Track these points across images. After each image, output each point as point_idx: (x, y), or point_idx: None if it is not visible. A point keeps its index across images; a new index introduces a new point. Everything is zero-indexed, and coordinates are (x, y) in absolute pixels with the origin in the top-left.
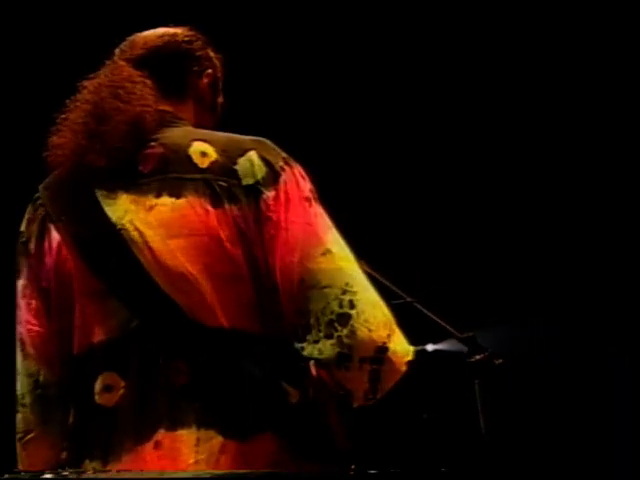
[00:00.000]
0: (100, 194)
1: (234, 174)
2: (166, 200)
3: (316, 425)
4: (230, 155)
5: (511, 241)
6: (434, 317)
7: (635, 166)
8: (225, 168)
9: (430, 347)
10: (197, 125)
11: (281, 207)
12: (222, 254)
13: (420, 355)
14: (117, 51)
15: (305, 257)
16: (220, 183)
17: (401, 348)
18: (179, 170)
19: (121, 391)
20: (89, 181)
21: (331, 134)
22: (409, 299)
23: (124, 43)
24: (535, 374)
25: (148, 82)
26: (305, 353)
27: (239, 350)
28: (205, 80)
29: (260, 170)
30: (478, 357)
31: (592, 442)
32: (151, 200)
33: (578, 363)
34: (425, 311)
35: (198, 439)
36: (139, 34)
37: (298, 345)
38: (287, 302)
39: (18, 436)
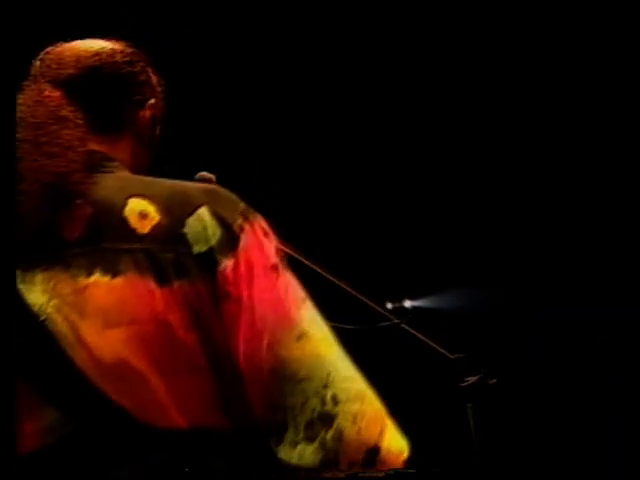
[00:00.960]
0: (18, 273)
1: (182, 240)
2: (100, 279)
3: None
4: (176, 215)
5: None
6: (423, 338)
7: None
8: (171, 233)
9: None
10: (134, 165)
11: (243, 280)
12: (173, 343)
13: None
14: (38, 65)
15: (276, 343)
16: (165, 254)
17: (395, 445)
18: (113, 238)
19: None
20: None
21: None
22: (396, 320)
23: (48, 56)
24: (525, 365)
25: (79, 117)
26: (282, 456)
27: (202, 450)
28: (147, 112)
29: (214, 233)
30: (471, 380)
31: (586, 429)
32: (81, 279)
33: (567, 352)
34: (413, 332)
35: None
36: (67, 46)
37: (272, 445)
38: (255, 395)
39: None
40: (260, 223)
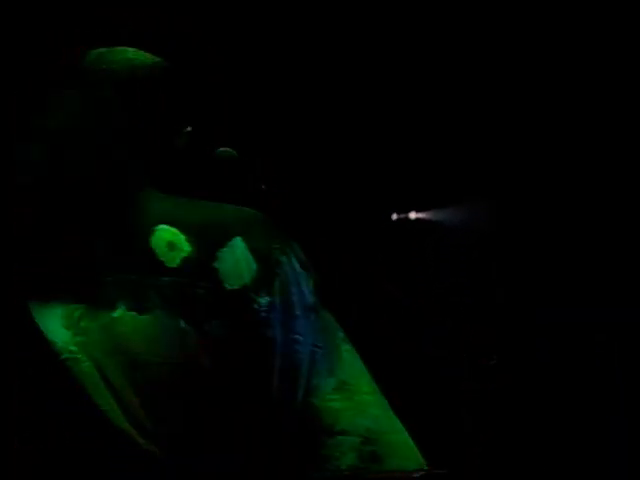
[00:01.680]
0: (35, 308)
1: (214, 275)
2: (125, 315)
3: None
4: (208, 246)
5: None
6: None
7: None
8: (202, 267)
9: None
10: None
11: (278, 321)
12: (204, 386)
13: None
14: (84, 66)
15: (311, 392)
16: (196, 291)
17: None
18: (139, 269)
19: None
20: (19, 283)
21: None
22: (411, 300)
23: (104, 54)
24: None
25: (125, 127)
26: None
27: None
28: (183, 140)
29: (249, 268)
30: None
31: (586, 429)
32: (104, 313)
33: (567, 352)
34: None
35: None
36: (121, 49)
37: None
38: (288, 447)
39: None
40: (297, 255)
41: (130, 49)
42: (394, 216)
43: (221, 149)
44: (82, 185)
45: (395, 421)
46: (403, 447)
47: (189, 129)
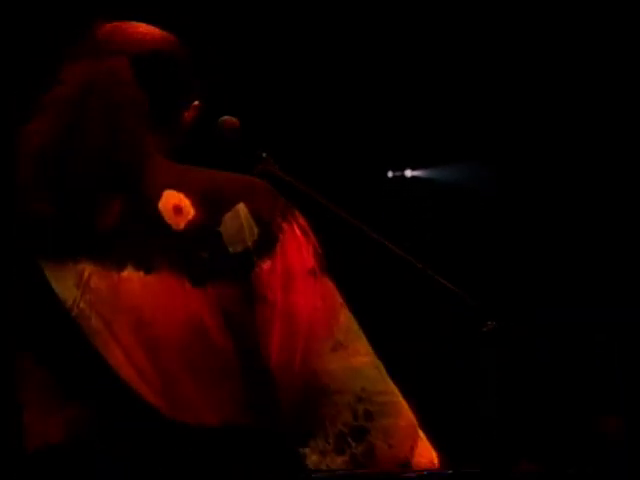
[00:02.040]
0: (46, 264)
1: (218, 239)
2: (132, 274)
3: None
4: (212, 211)
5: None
6: (446, 283)
7: None
8: (206, 231)
9: None
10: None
11: (279, 284)
12: (206, 345)
13: None
14: (97, 39)
15: (310, 353)
16: (200, 254)
17: (425, 458)
18: (147, 232)
19: None
20: (32, 241)
21: None
22: (419, 265)
23: (115, 28)
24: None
25: (143, 99)
26: (310, 462)
27: (233, 447)
28: (191, 113)
29: (251, 232)
30: (490, 325)
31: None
32: (113, 273)
33: (567, 352)
34: (436, 277)
35: None
36: (131, 24)
37: (300, 449)
38: (286, 401)
39: None
40: (300, 222)
41: (142, 24)
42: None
43: (224, 117)
44: (93, 151)
45: (389, 383)
46: (397, 407)
47: (197, 103)
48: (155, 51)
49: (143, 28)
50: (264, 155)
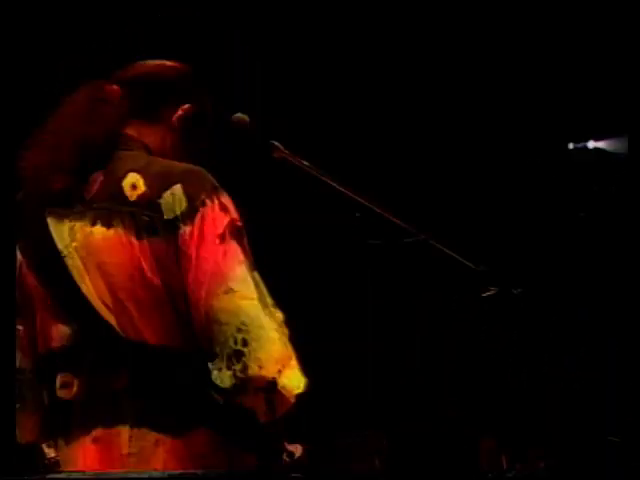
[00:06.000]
0: (50, 219)
1: (157, 208)
2: (99, 229)
3: (245, 420)
4: (157, 188)
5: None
6: (449, 252)
7: None
8: (150, 202)
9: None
10: (159, 148)
11: (194, 243)
12: (144, 282)
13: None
14: (117, 71)
15: (209, 294)
16: (143, 217)
17: (290, 383)
18: (112, 201)
19: (75, 388)
20: (44, 205)
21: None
22: (422, 236)
23: (127, 65)
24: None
25: (124, 104)
26: (212, 377)
27: (167, 362)
28: (180, 112)
29: (180, 205)
30: (493, 290)
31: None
32: (88, 228)
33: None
34: (439, 246)
35: (131, 436)
36: (143, 61)
37: (209, 366)
38: (198, 331)
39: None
40: (222, 200)
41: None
42: None
43: (236, 115)
44: (86, 144)
45: (268, 321)
46: (270, 339)
47: (187, 106)
48: (147, 72)
49: (149, 61)
50: (275, 144)
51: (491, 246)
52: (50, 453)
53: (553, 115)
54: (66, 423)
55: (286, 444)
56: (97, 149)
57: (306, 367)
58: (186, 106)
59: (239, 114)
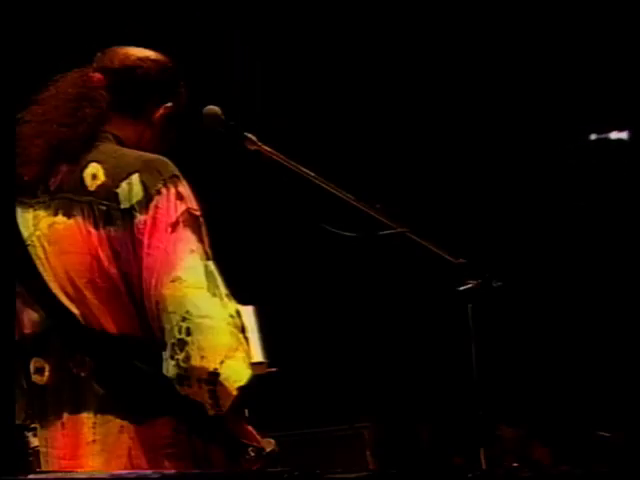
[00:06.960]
0: (19, 208)
1: (115, 198)
2: (60, 219)
3: (201, 412)
4: (115, 178)
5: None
6: (427, 244)
7: None
8: (108, 192)
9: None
10: (137, 144)
11: (147, 231)
12: (101, 271)
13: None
14: (99, 55)
15: (158, 282)
16: (100, 207)
17: (233, 374)
18: (73, 191)
19: (47, 373)
20: (16, 193)
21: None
22: (399, 229)
23: (109, 50)
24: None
25: (105, 99)
26: (163, 367)
27: (127, 350)
28: (162, 110)
29: (136, 194)
30: (472, 283)
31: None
32: (51, 218)
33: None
34: (417, 239)
35: (95, 423)
36: (125, 48)
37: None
38: (151, 319)
39: None
40: (178, 189)
41: (135, 48)
42: None
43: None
44: (63, 137)
45: (217, 311)
46: (214, 329)
47: (169, 104)
48: (130, 67)
49: (133, 51)
50: (248, 135)
51: (472, 239)
52: (34, 442)
53: (542, 107)
54: (42, 408)
55: (257, 439)
56: (72, 143)
57: (289, 358)
58: (169, 105)
59: (211, 106)
